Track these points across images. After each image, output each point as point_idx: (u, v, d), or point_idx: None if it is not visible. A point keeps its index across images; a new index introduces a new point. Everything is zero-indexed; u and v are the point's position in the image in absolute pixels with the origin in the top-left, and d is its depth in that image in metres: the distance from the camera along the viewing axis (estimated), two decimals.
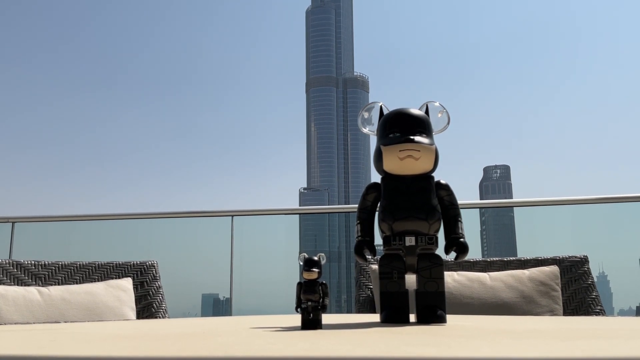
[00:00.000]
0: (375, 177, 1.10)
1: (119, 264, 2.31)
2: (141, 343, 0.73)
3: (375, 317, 1.11)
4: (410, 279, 1.03)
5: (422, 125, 1.04)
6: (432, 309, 0.99)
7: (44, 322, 1.90)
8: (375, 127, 1.09)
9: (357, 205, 1.09)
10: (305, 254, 0.94)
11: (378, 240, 1.06)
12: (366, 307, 2.24)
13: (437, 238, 1.02)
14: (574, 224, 4.52)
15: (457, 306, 2.06)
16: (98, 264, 2.28)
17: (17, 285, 2.11)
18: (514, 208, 4.69)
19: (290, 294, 0.94)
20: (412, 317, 1.01)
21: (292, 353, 0.60)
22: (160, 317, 2.24)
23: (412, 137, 1.01)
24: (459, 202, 1.08)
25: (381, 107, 1.11)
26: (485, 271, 2.27)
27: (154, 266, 2.35)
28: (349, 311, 6.07)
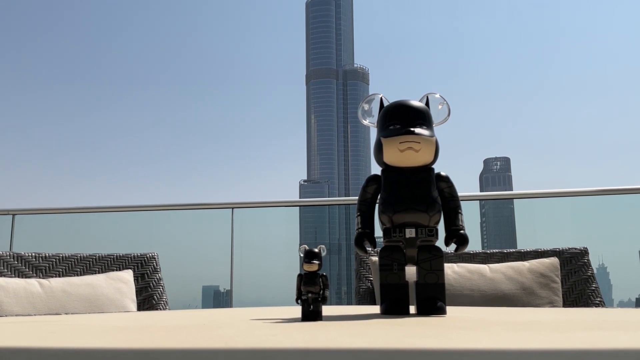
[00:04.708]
0: (376, 169, 1.10)
1: (120, 256, 2.31)
2: (142, 335, 0.73)
3: (375, 309, 1.11)
4: (410, 271, 1.03)
5: (422, 117, 1.04)
6: (432, 300, 0.99)
7: (44, 314, 1.91)
8: (375, 119, 1.09)
9: (357, 198, 1.09)
10: (305, 246, 0.94)
11: (378, 232, 1.06)
12: (366, 298, 2.25)
13: (437, 230, 1.02)
14: (574, 216, 4.52)
15: (457, 298, 2.06)
16: (99, 256, 2.29)
17: (18, 277, 2.11)
18: (514, 200, 4.69)
19: (291, 286, 0.94)
20: (412, 309, 1.01)
21: (293, 344, 0.60)
22: (161, 309, 2.24)
23: (412, 128, 1.00)
24: (459, 194, 1.08)
25: (381, 98, 1.11)
26: (485, 263, 2.27)
27: (154, 258, 2.35)
28: (349, 303, 6.09)
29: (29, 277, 2.12)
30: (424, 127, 1.02)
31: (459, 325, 0.78)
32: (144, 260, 2.33)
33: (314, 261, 0.93)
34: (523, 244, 4.91)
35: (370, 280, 2.28)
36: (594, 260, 2.40)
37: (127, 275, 2.21)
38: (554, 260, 2.21)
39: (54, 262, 2.21)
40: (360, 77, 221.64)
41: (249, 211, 4.41)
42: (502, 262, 2.27)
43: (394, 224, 1.01)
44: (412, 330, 0.73)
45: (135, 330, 0.81)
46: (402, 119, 1.03)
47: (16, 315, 1.86)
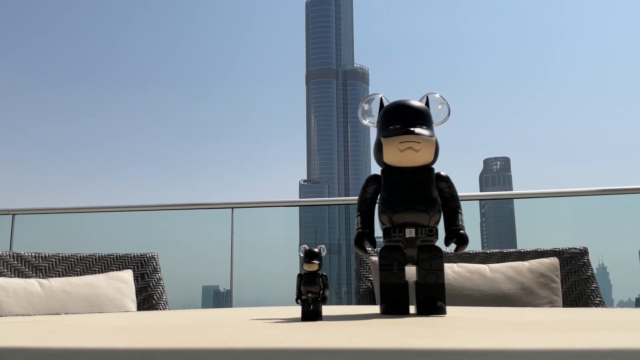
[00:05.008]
0: (376, 169, 1.10)
1: (120, 255, 2.31)
2: (142, 335, 0.73)
3: (375, 309, 1.11)
4: (410, 271, 1.03)
5: (422, 116, 1.04)
6: (432, 300, 0.99)
7: (44, 314, 1.91)
8: (375, 118, 1.09)
9: (357, 198, 1.09)
10: (305, 246, 0.94)
11: (378, 232, 1.06)
12: (366, 298, 2.25)
13: (437, 230, 1.02)
14: (574, 216, 4.52)
15: (457, 298, 2.06)
16: (99, 256, 2.29)
17: (18, 277, 2.11)
18: (514, 200, 4.69)
19: (291, 286, 0.94)
20: (412, 309, 1.01)
21: (293, 344, 0.60)
22: (160, 309, 2.24)
23: (412, 128, 1.00)
24: (459, 194, 1.08)
25: (381, 98, 1.10)
26: (485, 263, 2.27)
27: (154, 258, 2.35)
28: (349, 303, 6.09)
29: (29, 277, 2.12)
30: (424, 127, 1.02)
31: (459, 325, 0.78)
32: (144, 260, 2.32)
33: (314, 261, 0.93)
34: (523, 244, 4.91)
35: (370, 280, 2.28)
36: (594, 260, 2.40)
37: (127, 275, 2.21)
38: (554, 260, 2.21)
39: (54, 262, 2.21)
40: (360, 77, 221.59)
41: (249, 211, 4.41)
42: (502, 262, 2.27)
43: (394, 224, 1.01)
44: (412, 330, 0.73)
45: (135, 330, 0.81)
46: (402, 119, 1.03)
47: (16, 315, 1.86)
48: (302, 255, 0.94)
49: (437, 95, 1.10)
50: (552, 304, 2.10)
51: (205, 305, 6.99)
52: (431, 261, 1.01)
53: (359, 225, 1.06)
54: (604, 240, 4.41)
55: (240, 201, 4.25)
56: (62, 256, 2.24)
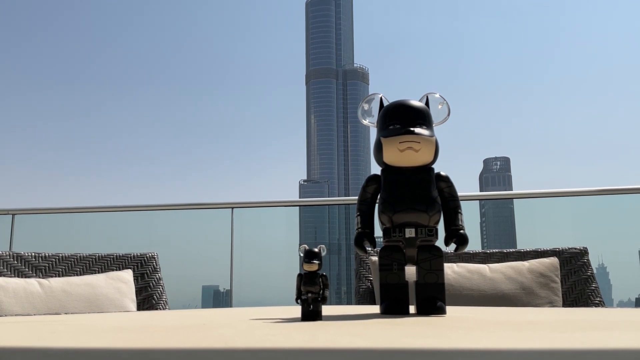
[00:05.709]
0: (376, 169, 1.10)
1: (120, 255, 2.31)
2: (142, 335, 0.73)
3: (375, 309, 1.11)
4: (410, 271, 1.03)
5: (422, 116, 1.04)
6: (432, 300, 0.99)
7: (44, 314, 1.91)
8: (375, 118, 1.09)
9: (357, 197, 1.09)
10: (305, 246, 0.94)
11: (378, 232, 1.06)
12: (366, 298, 2.25)
13: (437, 230, 1.02)
14: (574, 216, 4.53)
15: (456, 298, 2.06)
16: (98, 256, 2.29)
17: (18, 277, 2.11)
18: (514, 200, 4.69)
19: (291, 286, 0.94)
20: (412, 309, 1.01)
21: (292, 344, 0.60)
22: (160, 309, 2.24)
23: (412, 128, 1.00)
24: (459, 194, 1.08)
25: (381, 98, 1.10)
26: (485, 263, 2.27)
27: (154, 258, 2.35)
28: (348, 303, 6.09)
29: (29, 277, 2.12)
30: (424, 127, 1.02)
31: (459, 325, 0.78)
32: (144, 260, 2.32)
33: (314, 261, 0.93)
34: (523, 244, 4.91)
35: (370, 280, 2.28)
36: (594, 260, 2.40)
37: (127, 275, 2.21)
38: (554, 260, 2.21)
39: (54, 262, 2.21)
40: (360, 77, 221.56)
41: (249, 211, 4.41)
42: (502, 262, 2.27)
43: (394, 224, 1.01)
44: (412, 330, 0.73)
45: (135, 330, 0.81)
46: (402, 118, 1.03)
47: (16, 315, 1.86)
48: (302, 255, 0.94)
49: (437, 95, 1.10)
50: (552, 304, 2.10)
51: (205, 305, 7.00)
52: (431, 261, 1.01)
53: (359, 225, 1.06)
54: (604, 240, 4.42)
55: (240, 201, 4.25)
56: (62, 256, 2.24)
